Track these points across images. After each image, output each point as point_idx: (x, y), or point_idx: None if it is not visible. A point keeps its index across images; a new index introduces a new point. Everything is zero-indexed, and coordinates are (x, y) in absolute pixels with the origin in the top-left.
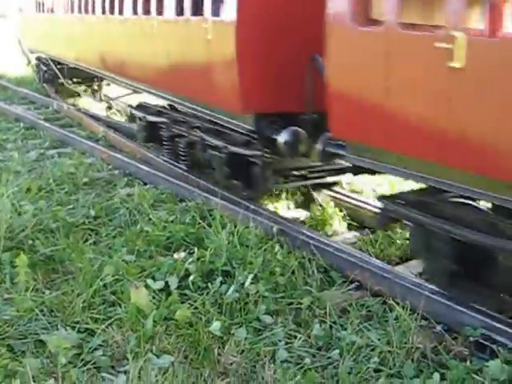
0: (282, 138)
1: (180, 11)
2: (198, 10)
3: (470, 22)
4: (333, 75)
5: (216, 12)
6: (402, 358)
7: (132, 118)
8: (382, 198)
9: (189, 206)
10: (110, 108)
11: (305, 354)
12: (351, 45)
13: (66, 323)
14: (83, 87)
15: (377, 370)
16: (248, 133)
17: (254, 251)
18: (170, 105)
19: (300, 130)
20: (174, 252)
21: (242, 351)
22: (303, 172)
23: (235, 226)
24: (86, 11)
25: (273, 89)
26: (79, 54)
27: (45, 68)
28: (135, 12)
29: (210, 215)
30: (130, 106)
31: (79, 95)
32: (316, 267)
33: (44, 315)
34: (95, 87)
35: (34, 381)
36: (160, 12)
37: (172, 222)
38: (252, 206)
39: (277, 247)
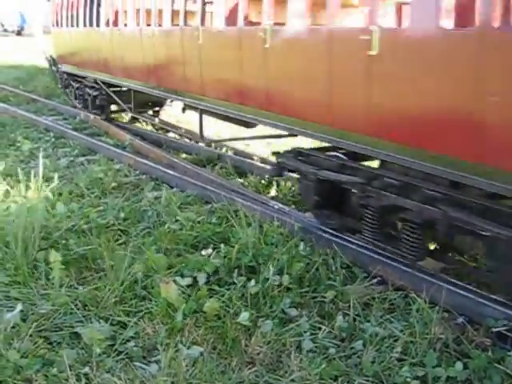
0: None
1: None
2: None
3: None
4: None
5: None
6: (425, 347)
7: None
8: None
9: (214, 207)
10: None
11: (329, 344)
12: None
13: (100, 316)
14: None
15: (400, 360)
16: None
17: (279, 248)
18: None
19: None
20: (202, 250)
21: (269, 342)
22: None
23: (260, 226)
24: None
25: None
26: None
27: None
28: None
29: (236, 215)
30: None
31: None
32: (339, 263)
33: (78, 309)
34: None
35: (71, 369)
36: None
37: (199, 222)
38: (276, 206)
39: (301, 245)
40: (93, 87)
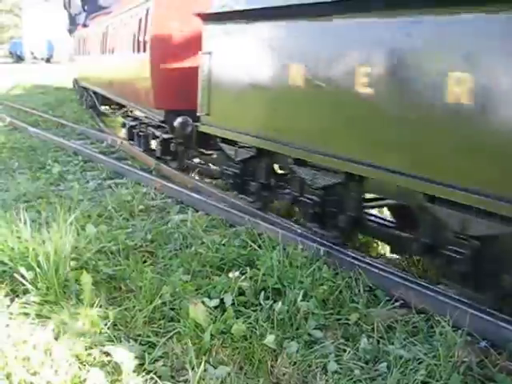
0: None
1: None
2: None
3: None
4: (76, 70)
5: None
6: (449, 371)
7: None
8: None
9: (239, 230)
10: None
11: (354, 366)
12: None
13: (129, 336)
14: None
15: (424, 382)
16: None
17: (304, 271)
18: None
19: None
20: (228, 272)
21: (294, 363)
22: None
23: (284, 249)
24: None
25: None
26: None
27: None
28: None
29: (260, 238)
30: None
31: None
32: (362, 286)
33: (108, 328)
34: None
35: None
36: None
37: (224, 245)
38: (299, 230)
39: (324, 268)
40: (88, 94)
